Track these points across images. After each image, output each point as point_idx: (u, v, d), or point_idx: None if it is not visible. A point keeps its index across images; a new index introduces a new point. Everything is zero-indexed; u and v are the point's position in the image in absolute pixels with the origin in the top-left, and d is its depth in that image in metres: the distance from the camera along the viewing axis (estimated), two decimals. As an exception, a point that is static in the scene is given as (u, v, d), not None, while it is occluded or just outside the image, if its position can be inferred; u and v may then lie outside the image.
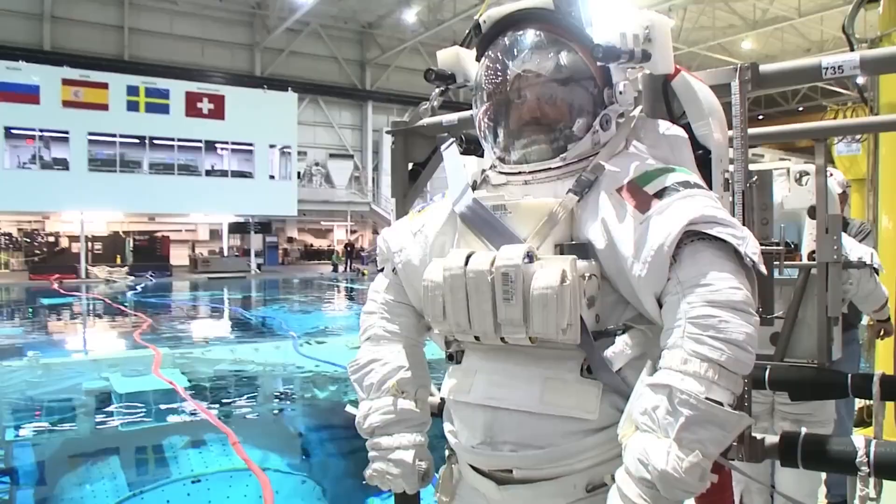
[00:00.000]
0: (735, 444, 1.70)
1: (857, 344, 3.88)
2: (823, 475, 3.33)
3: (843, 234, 2.66)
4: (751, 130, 2.00)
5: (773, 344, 2.61)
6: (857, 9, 4.14)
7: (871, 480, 1.69)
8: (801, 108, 38.99)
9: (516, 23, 1.60)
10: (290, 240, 39.46)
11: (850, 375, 2.35)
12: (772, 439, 1.74)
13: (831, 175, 3.00)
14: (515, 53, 1.56)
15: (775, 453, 1.73)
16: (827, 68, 1.71)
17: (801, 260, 2.74)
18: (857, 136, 8.33)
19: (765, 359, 2.49)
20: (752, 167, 1.78)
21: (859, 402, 4.45)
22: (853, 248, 3.02)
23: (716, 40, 31.13)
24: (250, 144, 31.55)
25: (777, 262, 1.82)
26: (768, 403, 3.07)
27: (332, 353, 10.78)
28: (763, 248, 1.53)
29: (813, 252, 2.60)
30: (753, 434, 1.75)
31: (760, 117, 38.00)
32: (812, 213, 2.63)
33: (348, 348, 11.25)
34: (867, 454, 1.59)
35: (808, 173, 2.85)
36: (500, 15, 1.62)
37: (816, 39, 31.62)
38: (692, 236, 1.34)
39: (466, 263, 1.42)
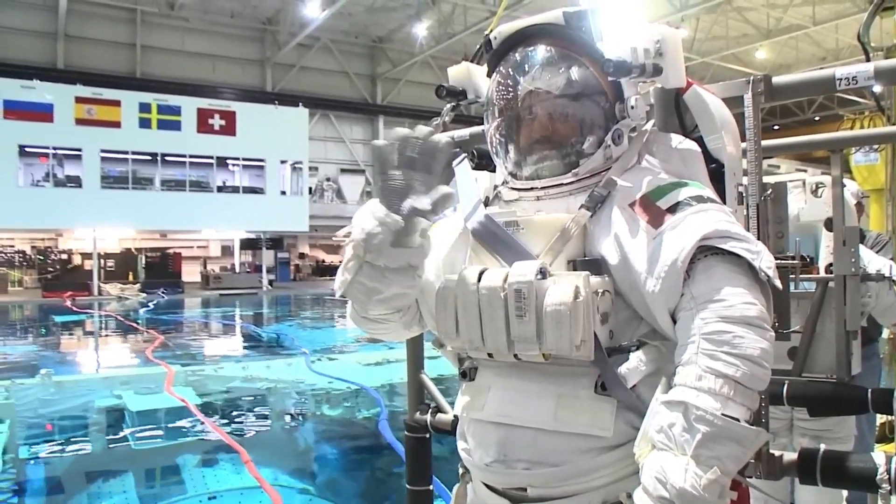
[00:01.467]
0: (753, 461, 1.68)
1: (877, 358, 3.84)
2: (845, 492, 3.28)
3: (861, 245, 2.63)
4: (766, 142, 1.99)
5: (791, 359, 2.57)
6: (873, 17, 4.12)
7: (893, 498, 1.66)
8: (817, 118, 38.84)
9: (527, 39, 1.60)
10: (302, 255, 39.57)
11: (870, 390, 2.31)
12: (790, 456, 1.72)
13: (844, 186, 2.98)
14: (526, 69, 1.56)
15: (794, 470, 1.71)
16: (840, 79, 1.69)
17: (818, 273, 2.71)
18: (875, 146, 8.28)
19: (783, 374, 2.46)
20: (768, 179, 1.76)
21: (881, 418, 4.39)
22: (871, 261, 2.99)
23: (729, 50, 31.08)
24: (261, 160, 31.70)
25: (793, 276, 1.79)
26: (787, 419, 3.04)
27: (344, 370, 10.77)
28: (778, 262, 1.51)
29: (830, 265, 2.57)
30: (772, 451, 1.72)
31: (776, 128, 37.88)
32: (829, 225, 2.61)
33: (361, 365, 11.25)
34: (888, 471, 1.56)
35: (823, 185, 2.83)
36: (510, 31, 1.62)
37: (832, 48, 31.55)
38: (706, 251, 1.32)
39: (479, 280, 1.41)
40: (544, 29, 1.58)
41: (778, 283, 1.35)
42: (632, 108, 1.55)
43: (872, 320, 3.24)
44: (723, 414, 1.21)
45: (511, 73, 1.59)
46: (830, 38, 30.82)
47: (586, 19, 1.54)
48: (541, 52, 1.57)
